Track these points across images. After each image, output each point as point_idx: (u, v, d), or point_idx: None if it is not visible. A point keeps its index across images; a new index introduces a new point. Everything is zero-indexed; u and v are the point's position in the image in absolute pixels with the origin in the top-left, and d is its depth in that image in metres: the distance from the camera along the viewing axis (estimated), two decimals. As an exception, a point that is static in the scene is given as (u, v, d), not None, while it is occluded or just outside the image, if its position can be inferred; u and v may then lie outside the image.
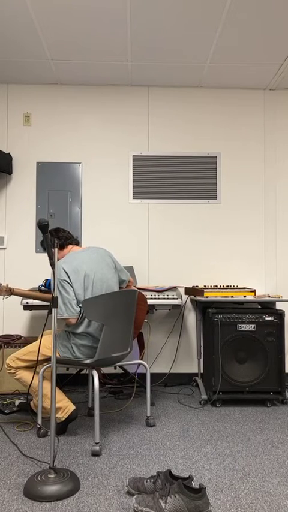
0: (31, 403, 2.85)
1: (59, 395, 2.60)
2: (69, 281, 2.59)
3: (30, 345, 2.74)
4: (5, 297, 2.84)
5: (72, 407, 2.60)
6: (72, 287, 2.59)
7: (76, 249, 2.84)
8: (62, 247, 2.85)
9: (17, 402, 3.05)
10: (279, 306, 3.55)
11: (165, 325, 3.85)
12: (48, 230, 2.10)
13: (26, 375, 2.67)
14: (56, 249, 2.09)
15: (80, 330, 2.58)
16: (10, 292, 2.82)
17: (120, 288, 2.89)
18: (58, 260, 2.86)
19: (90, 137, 3.91)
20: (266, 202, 3.93)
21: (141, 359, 3.36)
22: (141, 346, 3.46)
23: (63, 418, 2.57)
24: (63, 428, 2.65)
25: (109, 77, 3.78)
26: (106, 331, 2.51)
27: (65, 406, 2.58)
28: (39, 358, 2.62)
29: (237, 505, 1.84)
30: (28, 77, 3.78)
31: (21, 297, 3.23)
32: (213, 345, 3.21)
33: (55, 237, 2.83)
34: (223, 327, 3.22)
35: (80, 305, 2.59)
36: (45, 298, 2.96)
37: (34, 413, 2.81)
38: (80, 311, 2.59)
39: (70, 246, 2.87)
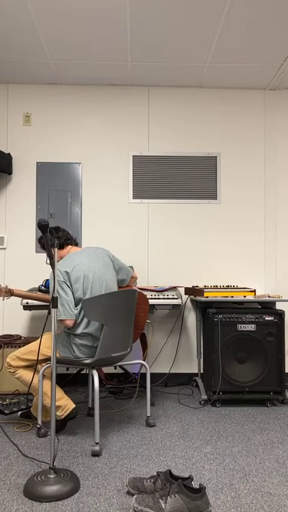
0: (31, 409, 2.84)
1: (59, 393, 2.60)
2: (68, 283, 2.58)
3: (31, 344, 2.74)
4: (5, 298, 2.84)
5: (72, 405, 2.60)
6: (71, 289, 2.59)
7: (74, 250, 2.84)
8: (61, 247, 2.86)
9: (19, 413, 3.00)
10: (279, 306, 3.55)
11: (165, 325, 3.85)
12: (48, 230, 2.10)
13: (26, 374, 2.67)
14: (56, 249, 2.09)
15: (80, 330, 2.58)
16: (10, 293, 2.83)
17: (120, 287, 2.89)
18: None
19: (90, 137, 3.91)
20: (266, 202, 3.93)
21: (144, 359, 3.36)
22: (144, 347, 3.46)
23: (63, 417, 2.58)
24: (61, 425, 2.67)
25: (109, 77, 3.78)
26: (106, 331, 2.51)
27: (64, 404, 2.59)
28: (40, 358, 2.62)
29: (237, 505, 1.84)
30: (28, 77, 3.78)
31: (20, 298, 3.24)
32: (213, 345, 3.21)
33: (55, 236, 2.83)
34: (223, 327, 3.22)
35: (78, 307, 2.59)
36: (45, 299, 2.96)
37: (36, 419, 2.81)
38: (79, 313, 2.59)
39: (69, 247, 2.87)
